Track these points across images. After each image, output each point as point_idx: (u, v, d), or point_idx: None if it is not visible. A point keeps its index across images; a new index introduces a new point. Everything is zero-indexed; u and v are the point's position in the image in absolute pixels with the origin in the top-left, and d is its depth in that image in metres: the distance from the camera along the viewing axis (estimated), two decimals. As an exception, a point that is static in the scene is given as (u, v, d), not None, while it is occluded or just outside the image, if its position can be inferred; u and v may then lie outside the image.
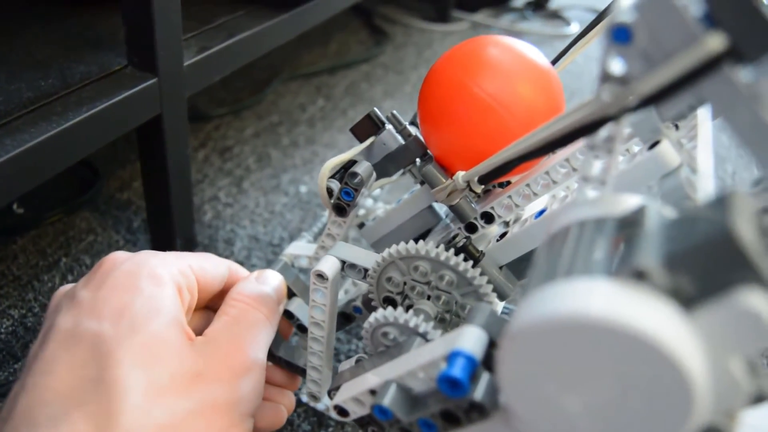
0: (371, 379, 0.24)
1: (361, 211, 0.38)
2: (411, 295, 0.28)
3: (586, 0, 1.12)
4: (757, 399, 0.16)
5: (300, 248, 0.38)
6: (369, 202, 0.41)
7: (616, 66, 0.17)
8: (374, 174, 0.31)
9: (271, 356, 0.33)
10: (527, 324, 0.15)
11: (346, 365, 0.28)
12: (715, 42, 0.15)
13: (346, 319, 0.36)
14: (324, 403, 0.36)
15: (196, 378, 0.24)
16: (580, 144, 0.25)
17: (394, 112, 0.31)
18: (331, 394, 0.27)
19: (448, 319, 0.28)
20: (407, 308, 0.28)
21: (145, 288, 0.25)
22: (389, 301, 0.29)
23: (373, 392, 0.24)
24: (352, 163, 0.31)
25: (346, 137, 0.69)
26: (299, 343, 0.37)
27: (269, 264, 0.35)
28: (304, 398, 0.38)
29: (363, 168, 0.30)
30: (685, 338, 0.14)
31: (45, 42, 0.46)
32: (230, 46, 0.48)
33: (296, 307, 0.35)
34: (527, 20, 1.05)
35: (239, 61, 0.51)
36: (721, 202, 0.15)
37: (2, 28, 0.47)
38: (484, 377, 0.20)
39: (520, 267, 0.29)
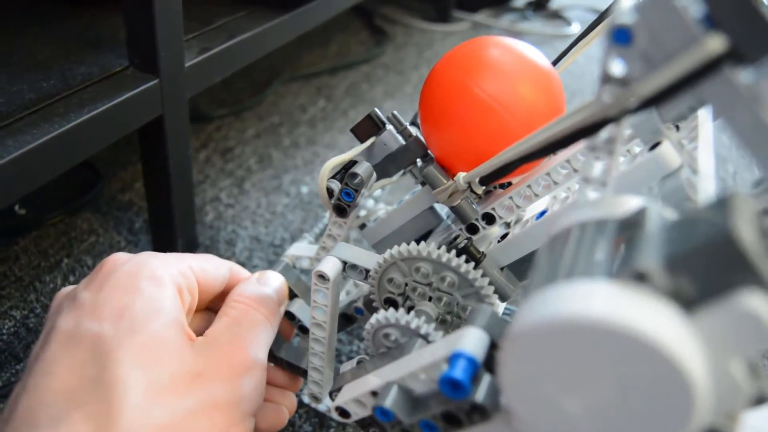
0: (373, 380, 0.24)
1: (362, 212, 0.38)
2: (412, 296, 0.28)
3: (587, 0, 1.12)
4: (758, 401, 0.16)
5: (301, 249, 0.38)
6: (370, 203, 0.41)
7: (617, 67, 0.17)
8: (374, 174, 0.31)
9: (273, 357, 0.33)
10: (528, 326, 0.15)
11: (347, 366, 0.28)
12: (716, 43, 0.15)
13: (348, 320, 0.36)
14: (325, 404, 0.36)
15: (197, 377, 0.24)
16: (581, 145, 0.25)
17: (395, 112, 0.31)
18: (332, 395, 0.27)
19: (450, 321, 0.28)
20: (408, 309, 0.28)
21: (145, 289, 0.25)
22: (390, 302, 0.29)
23: (374, 393, 0.24)
24: (352, 163, 0.31)
25: (347, 138, 0.69)
26: (301, 344, 0.37)
27: (271, 265, 0.35)
28: (306, 399, 0.38)
29: (363, 168, 0.30)
30: (686, 340, 0.14)
31: (46, 43, 0.46)
32: (231, 47, 0.48)
33: (298, 308, 0.35)
34: (528, 20, 1.05)
35: (240, 62, 0.51)
36: (722, 203, 0.15)
37: (3, 28, 0.47)
38: (486, 379, 0.20)
39: (521, 268, 0.29)
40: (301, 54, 0.87)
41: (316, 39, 0.92)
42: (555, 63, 0.31)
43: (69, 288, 0.27)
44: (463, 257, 0.27)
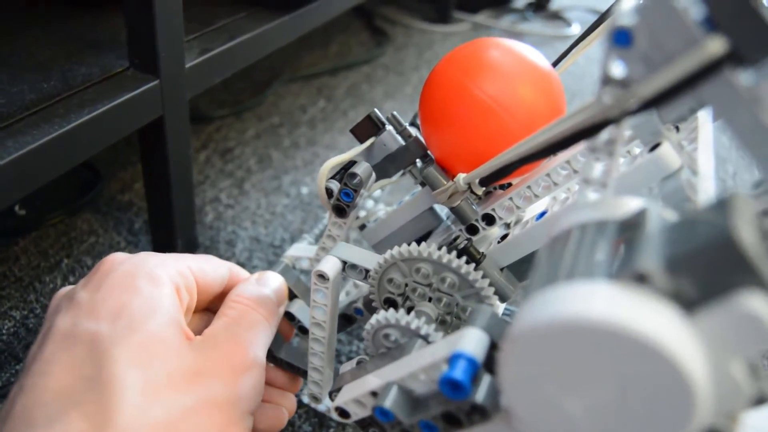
0: (372, 380, 0.24)
1: (362, 213, 0.38)
2: (412, 296, 0.28)
3: (587, 1, 1.12)
4: (759, 401, 0.16)
5: (301, 250, 0.38)
6: (370, 203, 0.41)
7: (617, 69, 0.17)
8: (374, 175, 0.31)
9: (273, 358, 0.33)
10: (529, 326, 0.15)
11: (347, 367, 0.28)
12: (716, 45, 0.15)
13: (348, 320, 0.36)
14: (325, 405, 0.36)
15: (195, 376, 0.24)
16: (581, 146, 0.25)
17: (395, 113, 0.31)
18: (332, 395, 0.27)
19: (449, 321, 0.28)
20: (408, 310, 0.28)
21: (143, 288, 0.25)
22: (390, 303, 0.29)
23: (374, 394, 0.24)
24: (351, 163, 0.31)
25: (347, 138, 0.69)
26: (300, 345, 0.37)
27: (270, 265, 0.35)
28: (306, 399, 0.38)
29: (362, 169, 0.30)
30: (687, 341, 0.14)
31: (46, 44, 0.46)
32: (231, 48, 0.48)
33: (297, 308, 0.35)
34: (528, 21, 1.05)
35: (240, 63, 0.51)
36: (722, 204, 0.15)
37: (3, 29, 0.47)
38: (486, 379, 0.20)
39: (521, 269, 0.29)
40: (302, 55, 0.87)
41: (316, 40, 0.92)
42: (555, 64, 0.31)
43: (67, 288, 0.27)
44: (464, 258, 0.27)
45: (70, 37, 0.47)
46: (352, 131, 0.32)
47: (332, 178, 0.31)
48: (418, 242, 0.27)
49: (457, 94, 0.28)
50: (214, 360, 0.25)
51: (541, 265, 0.18)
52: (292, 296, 0.35)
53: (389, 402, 0.22)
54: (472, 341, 0.21)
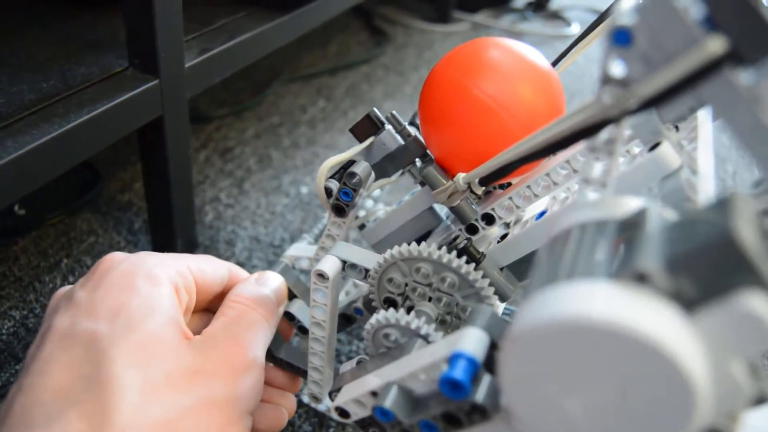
0: (372, 380, 0.24)
1: (362, 213, 0.38)
2: (412, 296, 0.28)
3: (587, 1, 1.12)
4: (759, 401, 0.16)
5: (301, 250, 0.38)
6: (369, 203, 0.41)
7: (617, 68, 0.17)
8: (373, 174, 0.31)
9: (272, 358, 0.33)
10: (529, 326, 0.15)
11: (347, 366, 0.28)
12: (716, 45, 0.15)
13: (347, 320, 0.36)
14: (325, 404, 0.36)
15: (194, 375, 0.24)
16: (580, 146, 0.25)
17: (394, 112, 0.31)
18: (332, 395, 0.27)
19: (449, 321, 0.28)
20: (408, 309, 0.28)
21: (141, 287, 0.25)
22: (390, 302, 0.29)
23: (374, 394, 0.24)
24: (351, 163, 0.31)
25: (346, 138, 0.69)
26: (300, 345, 0.37)
27: (270, 265, 0.35)
28: (306, 399, 0.38)
29: (361, 168, 0.30)
30: (687, 341, 0.14)
31: (46, 44, 0.46)
32: (231, 48, 0.48)
33: (297, 308, 0.35)
34: (528, 21, 1.05)
35: (240, 63, 0.51)
36: (722, 204, 0.15)
37: (3, 29, 0.47)
38: (486, 379, 0.20)
39: (521, 268, 0.29)
40: (301, 54, 0.87)
41: (315, 39, 0.92)
42: (555, 64, 0.31)
43: (66, 288, 0.27)
44: (464, 258, 0.27)
45: (69, 37, 0.47)
46: (352, 131, 0.32)
47: (331, 177, 0.31)
48: (418, 242, 0.27)
49: (456, 93, 0.28)
50: (214, 360, 0.25)
51: (541, 264, 0.18)
52: (291, 296, 0.34)
53: (389, 402, 0.22)
54: (472, 341, 0.21)
